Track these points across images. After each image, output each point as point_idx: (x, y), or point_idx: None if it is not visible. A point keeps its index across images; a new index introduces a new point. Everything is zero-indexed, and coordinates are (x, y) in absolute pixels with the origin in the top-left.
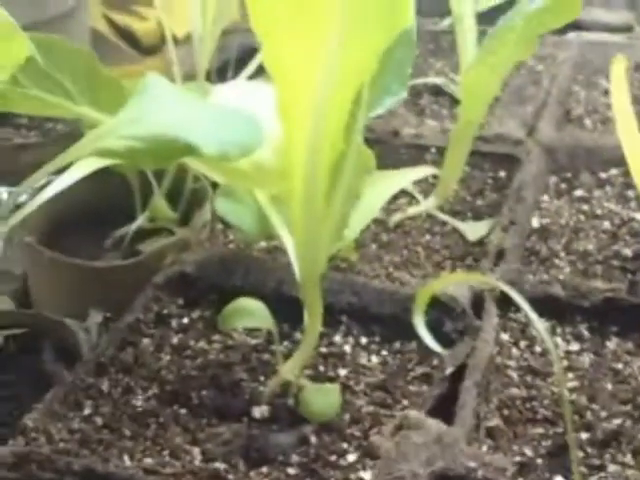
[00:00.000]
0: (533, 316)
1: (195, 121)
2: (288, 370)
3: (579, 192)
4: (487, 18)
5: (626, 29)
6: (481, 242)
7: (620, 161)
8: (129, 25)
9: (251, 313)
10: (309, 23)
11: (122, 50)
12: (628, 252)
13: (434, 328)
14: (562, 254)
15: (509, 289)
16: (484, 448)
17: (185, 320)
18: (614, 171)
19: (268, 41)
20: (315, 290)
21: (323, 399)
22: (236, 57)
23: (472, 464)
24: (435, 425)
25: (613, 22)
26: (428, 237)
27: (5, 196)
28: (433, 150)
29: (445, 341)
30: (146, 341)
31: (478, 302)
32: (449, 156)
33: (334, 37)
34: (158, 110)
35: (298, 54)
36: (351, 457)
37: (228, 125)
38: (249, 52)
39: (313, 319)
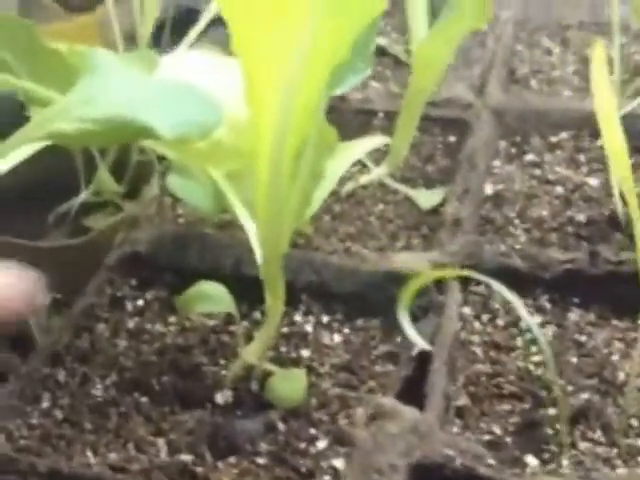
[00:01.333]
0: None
1: (150, 102)
2: (250, 353)
3: (530, 157)
4: None
5: None
6: (435, 210)
7: (569, 124)
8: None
9: (211, 297)
10: (282, 6)
11: (50, 7)
12: (582, 218)
13: (396, 305)
14: (517, 222)
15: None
16: (455, 429)
17: (140, 302)
18: (564, 134)
19: (238, 24)
20: (277, 270)
21: (289, 385)
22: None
23: (450, 452)
24: (410, 413)
25: None
26: (381, 206)
27: None
28: (381, 115)
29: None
30: (101, 326)
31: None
32: (400, 124)
33: (307, 21)
34: (110, 90)
35: (270, 37)
36: (321, 444)
37: (185, 105)
38: (185, 13)
39: (275, 300)
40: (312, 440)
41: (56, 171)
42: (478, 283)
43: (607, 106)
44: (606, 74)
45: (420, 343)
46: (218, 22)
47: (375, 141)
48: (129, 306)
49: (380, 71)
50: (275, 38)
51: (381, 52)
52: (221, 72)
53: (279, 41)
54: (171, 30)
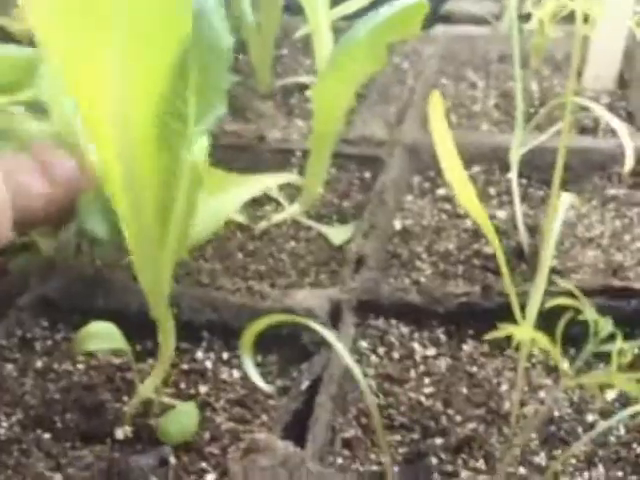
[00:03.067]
0: None
1: None
2: (147, 389)
3: (442, 191)
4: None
5: (492, 20)
6: (346, 246)
7: (482, 158)
8: (6, 27)
9: (102, 335)
10: (92, 35)
11: None
12: (489, 250)
13: (292, 341)
14: (424, 256)
15: None
16: (339, 460)
17: (49, 342)
18: (476, 168)
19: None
20: (163, 309)
21: (179, 421)
22: None
23: None
24: (283, 447)
25: (479, 13)
26: (293, 243)
27: None
28: (299, 154)
29: (304, 354)
30: (9, 366)
31: (336, 311)
32: (310, 164)
33: (118, 52)
34: None
35: (85, 68)
36: (210, 477)
37: None
38: None
39: (165, 338)
40: (201, 474)
41: None
42: (376, 317)
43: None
44: (443, 121)
45: (260, 384)
46: None
47: (275, 178)
48: (38, 346)
49: (306, 109)
50: (88, 64)
51: (308, 90)
52: None
53: (93, 70)
54: None
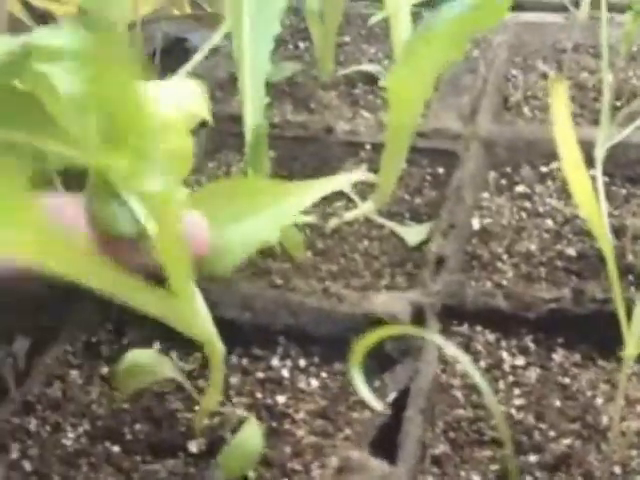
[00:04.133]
0: None
1: None
2: (208, 403)
3: (520, 188)
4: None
5: (563, 8)
6: (421, 246)
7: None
8: (48, 9)
9: (143, 368)
10: None
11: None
12: (572, 252)
13: (374, 349)
14: (504, 257)
15: None
16: (430, 479)
17: (115, 347)
18: (555, 164)
19: None
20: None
21: (241, 454)
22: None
23: None
24: (378, 467)
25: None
26: (366, 243)
27: None
28: (368, 147)
29: (387, 362)
30: (74, 373)
31: (419, 316)
32: (385, 159)
33: None
34: None
35: None
36: None
37: None
38: (174, 42)
39: (211, 351)
40: None
41: None
42: (460, 322)
43: (567, 138)
44: (566, 113)
45: (374, 404)
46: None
47: (354, 176)
48: (104, 352)
49: (371, 100)
50: None
51: (371, 79)
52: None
53: None
54: (160, 60)
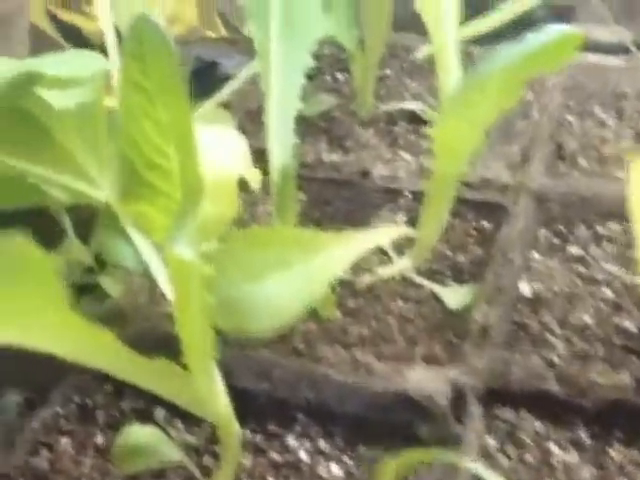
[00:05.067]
0: None
1: None
2: None
3: (574, 249)
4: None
5: (622, 49)
6: (464, 310)
7: (620, 213)
8: (75, 23)
9: (144, 449)
10: None
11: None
12: (632, 327)
13: (406, 433)
14: (556, 329)
15: None
16: None
17: (114, 413)
18: (613, 225)
19: None
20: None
21: None
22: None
23: None
24: None
25: (607, 40)
26: (401, 304)
27: None
28: (407, 194)
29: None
30: (65, 440)
31: (459, 397)
32: (426, 211)
33: None
34: None
35: None
36: None
37: None
38: (206, 67)
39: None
40: None
41: None
42: (505, 407)
43: None
44: None
45: None
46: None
47: (394, 231)
48: (100, 417)
49: (412, 140)
50: None
51: (414, 118)
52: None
53: None
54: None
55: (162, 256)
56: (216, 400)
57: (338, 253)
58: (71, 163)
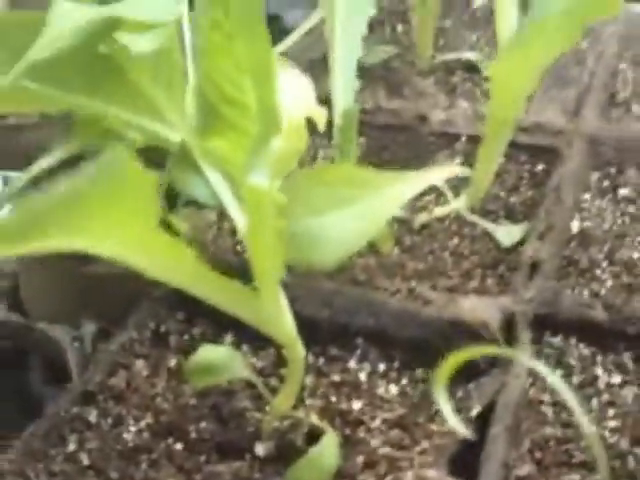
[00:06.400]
0: None
1: None
2: (280, 406)
3: (624, 191)
4: None
5: None
6: (516, 248)
7: None
8: None
9: (216, 366)
10: None
11: None
12: None
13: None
14: (604, 264)
15: None
16: None
17: (185, 338)
18: None
19: None
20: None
21: (315, 470)
22: None
23: None
24: None
25: None
26: (456, 241)
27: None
28: (464, 139)
29: (473, 372)
30: (140, 363)
31: (510, 324)
32: (482, 154)
33: None
34: None
35: None
36: None
37: None
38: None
39: (291, 352)
40: None
41: None
42: (553, 333)
43: None
44: None
45: (462, 431)
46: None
47: (449, 171)
48: (172, 342)
49: (469, 89)
50: None
51: (472, 68)
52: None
53: None
54: None
55: (235, 190)
56: (283, 321)
57: (395, 191)
58: (147, 105)
